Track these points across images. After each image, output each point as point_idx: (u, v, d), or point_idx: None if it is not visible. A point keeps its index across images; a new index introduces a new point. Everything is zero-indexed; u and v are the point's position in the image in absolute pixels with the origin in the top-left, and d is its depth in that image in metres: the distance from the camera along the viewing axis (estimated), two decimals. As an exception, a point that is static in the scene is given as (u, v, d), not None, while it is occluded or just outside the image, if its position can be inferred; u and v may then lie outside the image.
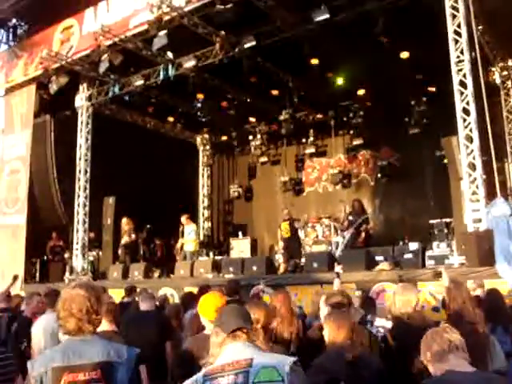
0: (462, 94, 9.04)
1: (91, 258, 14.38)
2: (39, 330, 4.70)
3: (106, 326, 4.14)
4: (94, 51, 12.63)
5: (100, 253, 14.58)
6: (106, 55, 12.33)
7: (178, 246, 13.76)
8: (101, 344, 2.58)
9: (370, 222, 12.14)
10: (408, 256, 9.96)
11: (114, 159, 13.96)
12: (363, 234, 11.62)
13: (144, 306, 5.73)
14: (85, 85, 14.61)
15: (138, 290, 8.25)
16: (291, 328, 4.34)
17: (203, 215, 18.99)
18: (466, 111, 8.98)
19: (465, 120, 8.98)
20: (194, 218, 18.15)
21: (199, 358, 3.47)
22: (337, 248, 11.83)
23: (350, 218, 11.77)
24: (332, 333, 2.84)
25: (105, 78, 13.86)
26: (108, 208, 14.39)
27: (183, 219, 13.41)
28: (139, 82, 13.36)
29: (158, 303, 6.60)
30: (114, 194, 14.26)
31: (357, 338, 2.87)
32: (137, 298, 7.65)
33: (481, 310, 3.94)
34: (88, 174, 14.43)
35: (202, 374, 2.15)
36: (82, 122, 14.59)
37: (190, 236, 13.25)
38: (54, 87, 13.32)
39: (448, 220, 10.89)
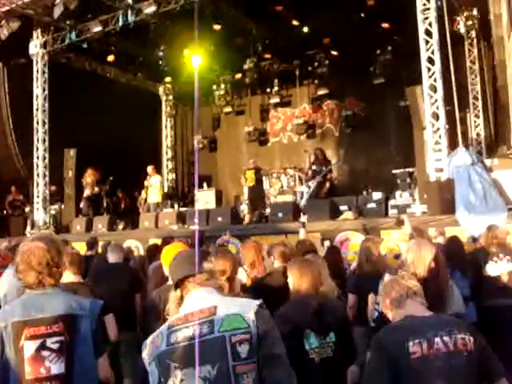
0: (427, 43, 9.02)
1: (53, 212, 14.09)
2: (4, 284, 4.59)
3: (71, 277, 4.08)
4: (47, -6, 11.95)
5: (62, 206, 14.30)
6: (60, -1, 11.70)
7: (143, 197, 13.63)
8: (62, 297, 2.52)
9: (333, 172, 12.23)
10: (371, 205, 10.14)
11: (73, 110, 13.44)
12: (327, 184, 11.71)
13: (112, 258, 5.67)
14: (39, 31, 13.86)
15: (100, 242, 8.16)
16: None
17: (167, 167, 18.75)
18: (430, 60, 8.98)
19: (429, 69, 9.00)
20: (158, 170, 18.03)
21: (164, 309, 3.47)
22: (302, 198, 11.90)
23: (314, 167, 11.79)
24: (296, 280, 2.84)
25: (60, 23, 13.15)
26: (69, 160, 14.05)
27: (149, 169, 13.37)
28: (97, 29, 12.78)
29: (124, 255, 6.53)
30: (74, 146, 13.89)
31: (321, 284, 2.88)
32: (100, 251, 7.60)
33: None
34: (46, 126, 13.94)
35: (166, 325, 2.09)
36: (37, 71, 13.96)
37: (154, 187, 13.11)
38: (4, 32, 12.61)
39: (411, 170, 11.04)
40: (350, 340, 2.99)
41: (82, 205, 13.62)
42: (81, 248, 8.81)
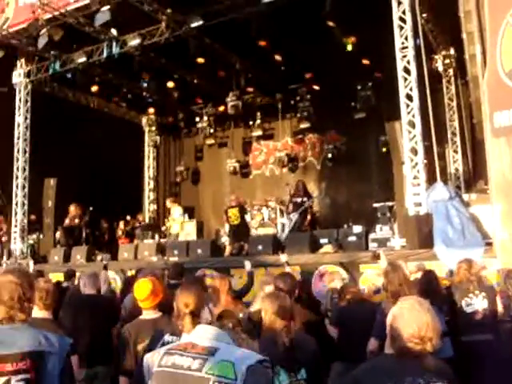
0: (405, 80, 9.21)
1: (31, 242, 13.88)
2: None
3: (38, 313, 3.94)
4: (32, 25, 12.00)
5: (41, 236, 14.11)
6: (45, 30, 11.76)
7: (166, 227, 13.63)
8: (31, 332, 2.44)
9: (314, 204, 12.28)
10: (352, 239, 10.16)
11: (55, 139, 13.39)
12: (309, 217, 11.73)
13: (87, 289, 5.55)
14: (23, 60, 13.94)
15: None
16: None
17: (149, 197, 18.66)
18: (409, 97, 9.16)
19: (408, 106, 9.17)
20: (139, 201, 17.97)
21: (137, 343, 3.42)
22: (283, 230, 11.90)
23: (295, 199, 11.82)
24: (267, 316, 2.82)
25: (44, 53, 13.25)
26: (49, 190, 13.92)
27: (168, 203, 13.87)
28: (81, 59, 12.85)
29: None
30: (55, 176, 13.78)
31: (295, 320, 2.85)
32: (76, 282, 7.47)
33: (416, 291, 4.05)
34: (27, 155, 13.85)
35: (167, 347, 2.13)
36: (20, 100, 13.94)
37: (177, 221, 13.26)
38: (-12, 61, 12.64)
39: (391, 204, 11.14)
40: (320, 377, 2.95)
41: (58, 235, 13.46)
42: (58, 279, 8.72)
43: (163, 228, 14.70)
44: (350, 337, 4.54)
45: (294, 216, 11.55)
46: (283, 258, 6.74)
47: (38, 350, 2.36)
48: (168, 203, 13.83)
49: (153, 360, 2.08)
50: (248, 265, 6.16)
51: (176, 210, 13.38)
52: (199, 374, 1.90)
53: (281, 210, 13.29)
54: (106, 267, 6.80)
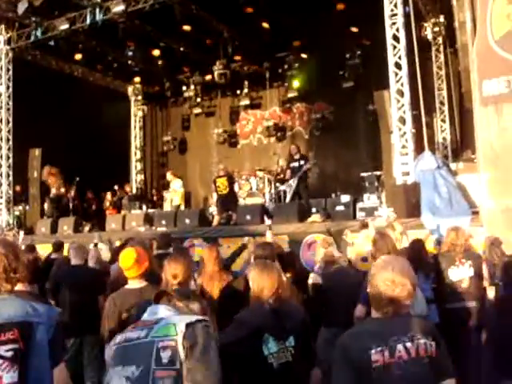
0: (394, 48, 9.14)
1: (17, 213, 13.77)
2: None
3: (19, 285, 3.89)
4: (11, -11, 11.67)
5: (27, 207, 13.98)
6: (25, -6, 11.44)
7: (168, 200, 13.52)
8: (18, 303, 2.42)
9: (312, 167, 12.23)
10: (340, 208, 10.23)
11: (39, 109, 13.17)
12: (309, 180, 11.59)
13: (75, 260, 5.62)
14: (2, 27, 13.54)
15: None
16: (220, 283, 4.32)
17: (136, 168, 18.52)
18: (398, 65, 9.10)
19: (396, 74, 9.11)
20: (126, 171, 17.84)
21: (121, 312, 3.41)
22: (285, 198, 11.83)
23: (292, 165, 11.56)
24: (256, 284, 2.81)
25: (25, 20, 12.87)
26: (34, 160, 13.73)
27: (169, 176, 13.64)
28: (64, 26, 12.52)
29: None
30: (40, 146, 13.58)
31: (283, 288, 2.85)
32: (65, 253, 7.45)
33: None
34: (10, 124, 13.61)
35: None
36: (1, 68, 13.64)
37: (177, 193, 13.20)
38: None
39: (378, 173, 11.17)
40: (309, 344, 2.97)
41: (45, 206, 13.34)
42: (46, 250, 8.67)
43: (164, 199, 14.59)
44: (337, 303, 4.58)
45: (294, 181, 11.39)
46: (267, 221, 6.76)
47: (26, 321, 2.35)
48: (168, 176, 13.66)
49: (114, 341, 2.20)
50: (269, 235, 6.21)
51: (176, 183, 13.33)
52: (145, 340, 2.03)
53: (269, 179, 13.27)
54: (96, 245, 6.79)
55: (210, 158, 17.36)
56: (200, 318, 2.11)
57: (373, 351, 2.14)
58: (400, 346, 2.17)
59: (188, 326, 2.02)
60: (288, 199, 11.43)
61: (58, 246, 7.88)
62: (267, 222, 6.88)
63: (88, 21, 12.32)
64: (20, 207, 13.90)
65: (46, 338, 2.37)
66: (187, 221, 10.83)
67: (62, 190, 13.19)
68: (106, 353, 2.21)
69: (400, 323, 2.26)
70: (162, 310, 2.19)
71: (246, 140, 17.36)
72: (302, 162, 11.39)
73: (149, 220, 11.62)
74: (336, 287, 4.71)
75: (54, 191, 13.13)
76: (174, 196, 13.32)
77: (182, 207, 13.12)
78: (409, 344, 2.18)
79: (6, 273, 2.39)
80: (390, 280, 2.24)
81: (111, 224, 11.94)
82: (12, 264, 2.42)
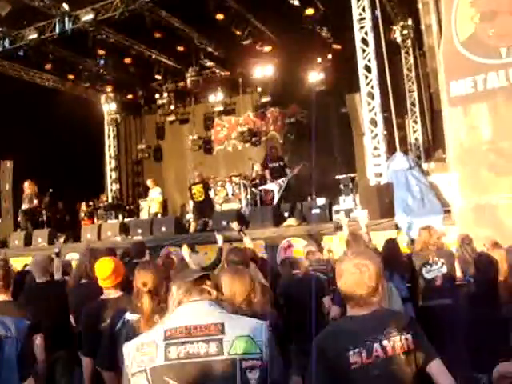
0: (363, 51, 9.25)
1: (-11, 226, 13.55)
2: None
3: (2, 296, 3.79)
4: (-23, 0, 11.49)
5: (0, 220, 13.76)
6: (-9, 4, 11.28)
7: (145, 207, 13.28)
8: (-15, 318, 2.39)
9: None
10: (316, 211, 10.28)
11: (10, 120, 12.97)
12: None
13: (38, 277, 5.30)
14: (-31, 37, 13.34)
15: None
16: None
17: (111, 177, 18.30)
18: (367, 68, 9.21)
19: (367, 77, 9.23)
20: (101, 180, 17.65)
21: (99, 322, 3.39)
22: (261, 202, 11.79)
23: (272, 164, 11.37)
24: (227, 289, 2.81)
25: (-8, 30, 12.72)
26: (5, 172, 13.57)
27: (149, 183, 13.51)
28: (33, 36, 12.38)
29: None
30: (11, 158, 13.38)
31: (255, 294, 2.85)
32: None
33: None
34: (-19, 137, 13.38)
35: (161, 334, 1.87)
36: (-31, 79, 13.42)
37: (155, 200, 13.10)
38: None
39: (353, 175, 11.27)
40: (284, 348, 2.98)
41: (19, 219, 13.13)
42: (21, 263, 8.51)
43: (140, 208, 14.44)
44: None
45: (284, 181, 11.26)
46: (234, 226, 6.66)
47: (-7, 334, 2.31)
48: (149, 183, 13.55)
49: (146, 353, 1.84)
50: (220, 239, 6.09)
51: (155, 190, 13.25)
52: (222, 358, 1.80)
53: (244, 184, 13.27)
54: (58, 254, 6.52)
55: (186, 164, 17.32)
56: (266, 323, 1.95)
57: (350, 352, 2.13)
58: (377, 345, 2.15)
59: (267, 339, 1.87)
60: (276, 199, 11.28)
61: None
62: (233, 225, 6.75)
63: (57, 30, 12.21)
64: (-8, 220, 13.69)
65: (15, 352, 2.33)
66: (163, 229, 10.78)
67: (35, 201, 12.98)
68: (131, 359, 1.86)
69: (375, 319, 2.24)
70: (210, 310, 1.93)
71: (221, 146, 17.37)
72: (282, 163, 11.37)
73: (125, 229, 11.53)
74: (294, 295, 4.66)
75: (26, 204, 12.91)
76: (151, 204, 13.27)
77: (160, 215, 13.03)
78: (385, 342, 2.16)
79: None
80: (353, 264, 2.24)
81: (86, 234, 11.82)
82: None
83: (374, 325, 2.22)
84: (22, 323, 2.47)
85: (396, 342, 2.18)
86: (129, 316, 2.89)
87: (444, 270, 5.13)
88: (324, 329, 2.34)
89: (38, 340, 3.48)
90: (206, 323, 1.86)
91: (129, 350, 1.89)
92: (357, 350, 2.14)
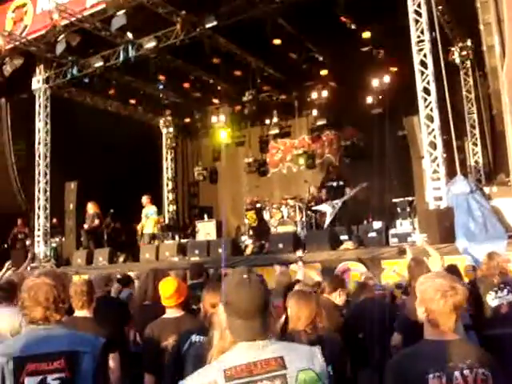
0: (422, 73, 9.15)
1: (54, 245, 14.09)
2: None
3: (78, 312, 3.92)
4: (50, 31, 12.17)
5: (63, 239, 14.30)
6: (62, 36, 11.94)
7: (139, 227, 13.59)
8: (64, 333, 2.52)
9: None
10: (372, 234, 10.14)
11: (75, 143, 13.57)
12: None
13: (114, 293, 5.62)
14: (41, 66, 14.16)
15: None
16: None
17: (168, 198, 18.79)
18: (426, 91, 9.10)
19: (425, 99, 9.11)
20: (159, 202, 18.04)
21: (160, 341, 3.47)
22: (316, 224, 11.74)
23: (329, 184, 11.24)
24: (293, 312, 2.83)
25: (62, 59, 13.43)
26: (70, 193, 14.09)
27: (144, 200, 13.23)
28: (98, 64, 13.02)
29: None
30: (75, 179, 13.96)
31: (320, 318, 2.86)
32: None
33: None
34: (48, 159, 14.09)
35: (219, 375, 1.73)
36: (39, 105, 14.18)
37: (150, 219, 13.13)
38: (8, 69, 12.81)
39: (410, 198, 11.07)
40: (347, 373, 2.97)
41: (82, 238, 13.61)
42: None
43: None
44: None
45: (338, 204, 11.21)
46: (298, 253, 6.72)
47: (72, 350, 2.44)
48: (144, 199, 13.19)
49: None
50: (278, 269, 6.18)
51: (150, 209, 13.16)
52: None
53: (300, 207, 13.27)
54: (119, 281, 6.66)
55: (241, 187, 17.50)
56: (318, 349, 1.92)
57: (430, 375, 2.10)
58: (457, 373, 2.12)
59: (322, 368, 1.84)
60: (328, 221, 11.18)
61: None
62: (298, 253, 6.83)
63: (121, 57, 12.78)
64: (57, 239, 14.23)
65: (92, 368, 2.44)
66: (220, 250, 10.89)
67: (96, 221, 13.44)
68: None
69: (456, 348, 2.20)
70: (265, 343, 1.80)
71: (276, 169, 17.46)
72: (341, 183, 11.25)
73: (182, 250, 11.73)
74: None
75: (88, 223, 13.39)
76: (146, 223, 13.09)
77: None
78: (466, 371, 2.12)
79: (56, 303, 2.49)
80: (439, 284, 2.22)
81: (145, 254, 12.09)
82: (61, 295, 2.52)
83: (454, 352, 2.19)
84: (98, 340, 2.58)
85: (478, 375, 2.13)
86: (195, 337, 2.96)
87: (510, 297, 4.96)
88: (399, 352, 2.33)
89: (114, 358, 3.59)
90: (265, 358, 1.76)
91: None
92: (437, 374, 2.11)
